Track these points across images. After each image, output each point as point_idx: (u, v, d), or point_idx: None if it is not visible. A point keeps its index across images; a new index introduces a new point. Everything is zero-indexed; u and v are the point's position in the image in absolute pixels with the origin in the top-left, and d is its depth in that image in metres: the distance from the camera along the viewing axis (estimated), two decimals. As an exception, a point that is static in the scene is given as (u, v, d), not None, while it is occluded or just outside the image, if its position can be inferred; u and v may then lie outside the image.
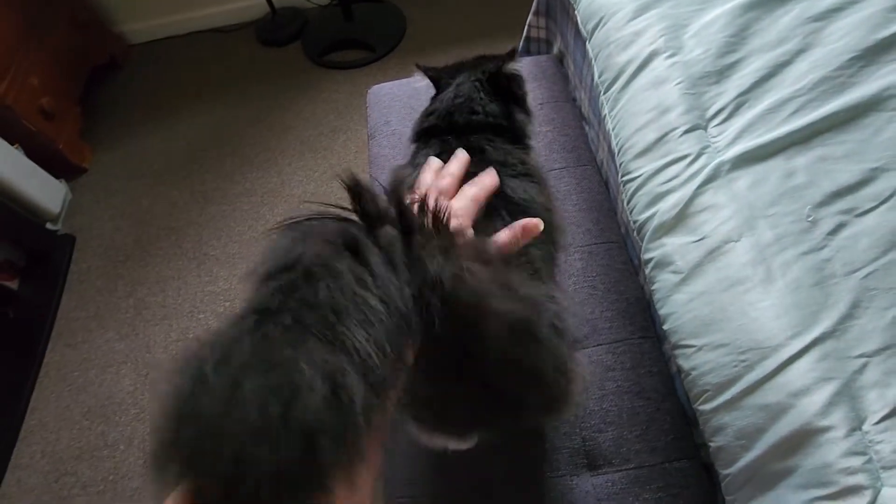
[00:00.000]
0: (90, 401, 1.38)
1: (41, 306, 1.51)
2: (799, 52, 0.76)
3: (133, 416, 1.34)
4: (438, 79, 0.79)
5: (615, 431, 0.78)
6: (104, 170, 1.84)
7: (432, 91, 1.19)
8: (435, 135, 0.71)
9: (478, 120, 0.70)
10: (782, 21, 0.79)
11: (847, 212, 0.63)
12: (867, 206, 0.63)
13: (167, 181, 1.77)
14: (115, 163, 1.85)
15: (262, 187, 1.71)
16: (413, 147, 0.75)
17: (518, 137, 0.72)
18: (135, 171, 1.82)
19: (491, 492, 0.77)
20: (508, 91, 0.75)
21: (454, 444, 0.68)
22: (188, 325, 1.47)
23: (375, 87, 1.24)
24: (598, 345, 0.85)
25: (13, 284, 1.52)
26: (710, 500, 0.72)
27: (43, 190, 1.62)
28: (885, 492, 0.49)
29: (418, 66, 0.81)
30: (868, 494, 0.49)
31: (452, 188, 0.48)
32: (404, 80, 1.23)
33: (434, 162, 0.54)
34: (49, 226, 1.64)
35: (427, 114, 0.75)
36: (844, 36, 0.75)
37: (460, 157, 0.52)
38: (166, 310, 1.50)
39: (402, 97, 1.19)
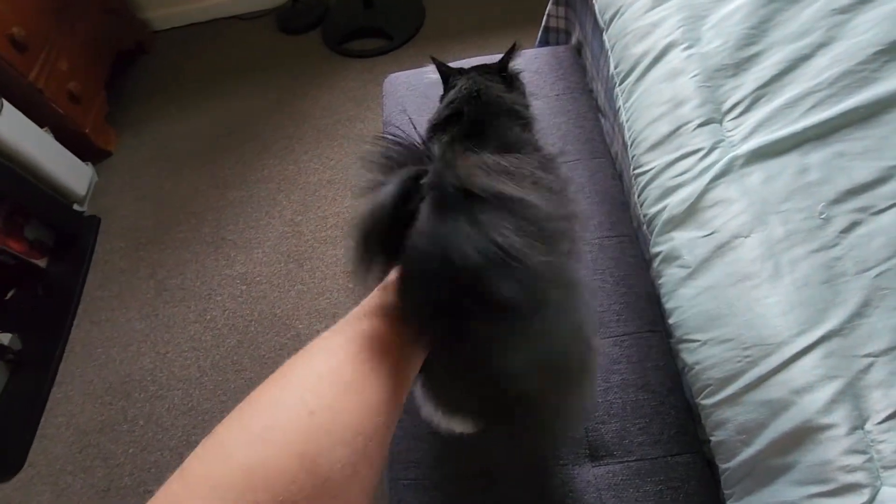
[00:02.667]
0: (112, 377, 1.43)
1: (68, 285, 1.57)
2: (821, 46, 0.74)
3: (152, 394, 1.39)
4: (448, 75, 0.80)
5: (618, 424, 0.79)
6: (128, 154, 1.89)
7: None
8: (453, 123, 0.72)
9: (499, 103, 0.70)
10: (805, 13, 0.77)
11: (862, 210, 0.62)
12: (883, 205, 0.62)
13: (189, 166, 1.81)
14: (139, 147, 1.90)
15: (279, 174, 1.73)
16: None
17: (530, 126, 0.73)
18: (158, 155, 1.86)
19: (494, 479, 0.78)
20: (513, 85, 0.76)
21: (465, 428, 0.69)
22: (206, 306, 1.51)
23: (391, 76, 1.24)
24: (605, 337, 0.85)
25: (42, 263, 1.58)
26: (711, 495, 0.72)
27: (70, 172, 1.67)
28: (885, 491, 0.49)
29: (433, 59, 0.82)
30: (867, 493, 0.49)
31: None
32: (420, 70, 1.24)
33: None
34: (76, 207, 1.70)
35: (448, 102, 0.76)
36: (870, 29, 0.73)
37: None
38: (185, 292, 1.55)
39: (418, 86, 1.20)
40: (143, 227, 1.70)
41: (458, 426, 0.68)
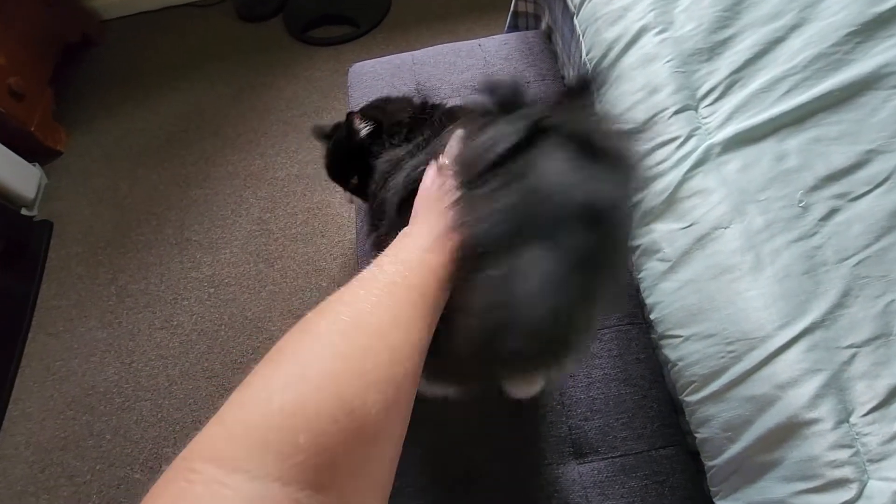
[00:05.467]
0: (74, 390, 1.36)
1: (20, 295, 1.48)
2: (794, 28, 0.72)
3: (118, 406, 1.32)
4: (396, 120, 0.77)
5: (601, 419, 0.78)
6: (80, 153, 1.77)
7: (416, 69, 1.15)
8: None
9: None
10: (777, -6, 0.76)
11: (840, 196, 0.61)
12: (861, 191, 0.61)
13: (146, 164, 1.72)
14: (92, 145, 1.79)
15: (244, 170, 1.66)
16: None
17: None
18: (112, 153, 1.76)
19: (476, 482, 0.76)
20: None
21: (454, 393, 0.66)
22: (172, 312, 1.44)
23: (357, 65, 1.19)
24: (584, 332, 0.84)
25: (-10, 273, 1.48)
26: (695, 487, 0.72)
27: (16, 174, 1.56)
28: (872, 485, 0.48)
29: (354, 116, 0.77)
30: (854, 488, 0.48)
31: None
32: (387, 58, 1.19)
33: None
34: (24, 212, 1.60)
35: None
36: (841, 10, 0.71)
37: None
38: (149, 297, 1.47)
39: (385, 75, 1.15)
40: (101, 230, 1.61)
41: (452, 390, 0.65)
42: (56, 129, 1.76)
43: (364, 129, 0.75)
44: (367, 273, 0.34)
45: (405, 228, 0.42)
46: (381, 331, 0.30)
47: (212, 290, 1.45)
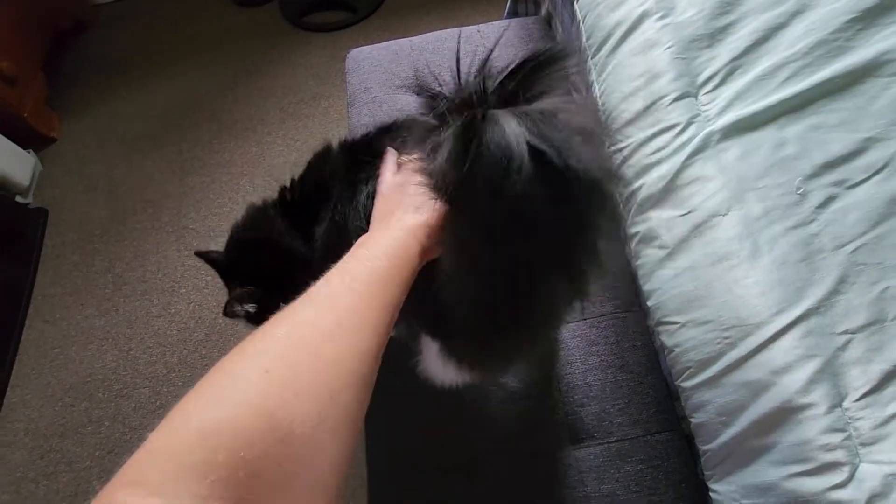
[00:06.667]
0: (71, 378, 1.36)
1: (16, 283, 1.47)
2: (795, 14, 0.72)
3: (117, 393, 1.33)
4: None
5: (598, 405, 0.78)
6: (75, 139, 1.76)
7: (414, 56, 1.14)
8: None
9: None
10: (779, -21, 0.75)
11: (838, 184, 0.61)
12: (858, 178, 0.61)
13: (142, 151, 1.70)
14: (86, 132, 1.77)
15: (241, 157, 1.65)
16: None
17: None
18: (107, 139, 1.74)
19: (474, 468, 0.77)
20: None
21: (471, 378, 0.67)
22: (169, 300, 1.44)
23: (354, 51, 1.18)
24: (582, 319, 0.84)
25: (-15, 260, 1.48)
26: (689, 471, 0.73)
27: (10, 161, 1.55)
28: (863, 468, 0.49)
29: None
30: (846, 471, 0.49)
31: None
32: (385, 44, 1.17)
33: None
34: (19, 199, 1.58)
35: None
36: (843, -4, 0.71)
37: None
38: (146, 285, 1.47)
39: (383, 62, 1.14)
40: (96, 217, 1.60)
41: (468, 376, 0.65)
42: (49, 115, 1.74)
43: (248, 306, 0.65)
44: (313, 288, 0.35)
45: (362, 238, 0.42)
46: (313, 345, 0.30)
47: (209, 279, 1.45)
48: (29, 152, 1.65)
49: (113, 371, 1.36)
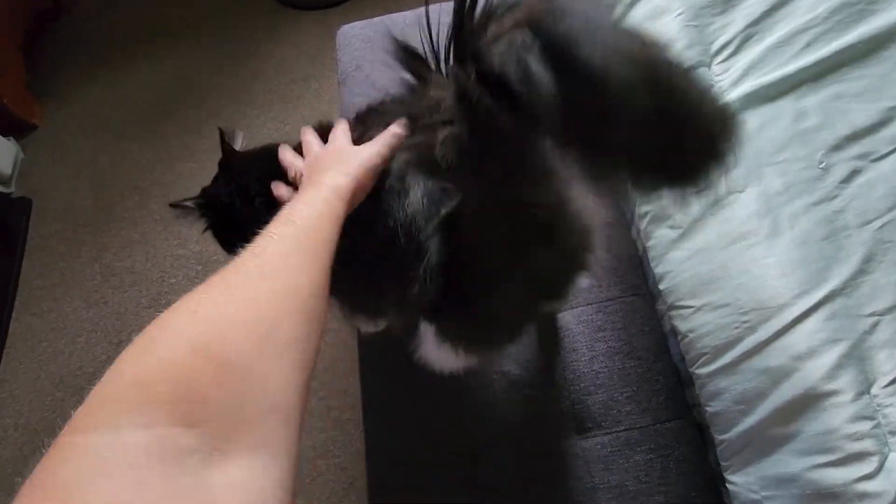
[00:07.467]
0: (61, 371, 1.32)
1: (1, 274, 1.43)
2: (815, -24, 0.67)
3: (108, 386, 1.29)
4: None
5: (605, 393, 0.75)
6: (57, 125, 1.69)
7: (408, 32, 1.09)
8: None
9: None
10: (797, -61, 0.70)
11: (862, 157, 0.58)
12: (884, 150, 0.58)
13: (127, 136, 1.64)
14: (69, 117, 1.70)
15: (230, 142, 1.59)
16: None
17: None
18: (90, 126, 1.68)
19: (477, 459, 0.74)
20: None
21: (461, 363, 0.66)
22: (159, 290, 1.40)
23: (345, 28, 1.12)
24: (588, 304, 0.81)
25: (-33, 253, 1.43)
26: (701, 459, 0.70)
27: (-10, 149, 1.49)
28: (893, 458, 0.46)
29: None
30: (875, 461, 0.46)
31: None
32: (377, 19, 1.12)
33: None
34: (1, 189, 1.53)
35: None
36: (866, -44, 0.66)
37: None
38: (135, 275, 1.43)
39: (376, 38, 1.09)
40: (82, 206, 1.55)
41: (465, 359, 0.64)
42: (30, 100, 1.67)
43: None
44: (252, 242, 0.37)
45: (297, 194, 0.46)
46: (244, 284, 0.33)
47: (199, 268, 1.41)
48: (9, 140, 1.59)
49: (103, 364, 1.29)
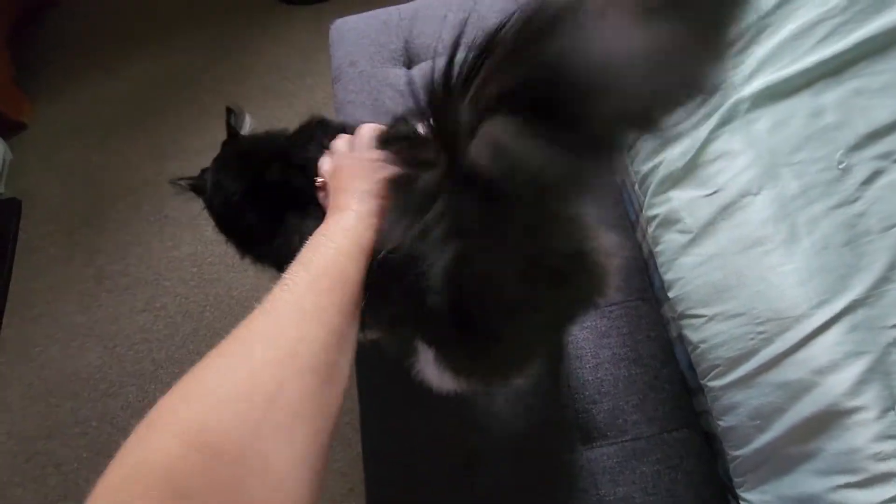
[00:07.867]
0: (55, 377, 1.30)
1: (-9, 279, 1.40)
2: (832, -37, 0.64)
3: (103, 392, 1.27)
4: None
5: (610, 402, 0.73)
6: (47, 124, 1.66)
7: (403, 25, 1.05)
8: None
9: None
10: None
11: (884, 156, 0.54)
12: (907, 150, 0.54)
13: (119, 135, 1.61)
14: (59, 116, 1.67)
15: (223, 140, 1.56)
16: None
17: None
18: (81, 124, 1.65)
19: (479, 470, 0.72)
20: None
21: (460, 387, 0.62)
22: (154, 293, 1.37)
23: (339, 22, 1.09)
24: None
25: (-44, 256, 1.40)
26: (710, 470, 0.68)
27: (-23, 150, 1.46)
28: (921, 480, 0.44)
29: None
30: (901, 483, 0.44)
31: None
32: (372, 13, 1.08)
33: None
34: (-11, 190, 1.50)
35: None
36: (886, -59, 0.63)
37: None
38: (129, 278, 1.40)
39: (370, 33, 1.05)
40: (74, 208, 1.52)
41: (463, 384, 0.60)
42: (18, 98, 1.64)
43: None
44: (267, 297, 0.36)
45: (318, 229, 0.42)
46: (248, 348, 0.31)
47: (195, 270, 1.38)
48: (-3, 140, 1.56)
49: (98, 369, 1.30)
